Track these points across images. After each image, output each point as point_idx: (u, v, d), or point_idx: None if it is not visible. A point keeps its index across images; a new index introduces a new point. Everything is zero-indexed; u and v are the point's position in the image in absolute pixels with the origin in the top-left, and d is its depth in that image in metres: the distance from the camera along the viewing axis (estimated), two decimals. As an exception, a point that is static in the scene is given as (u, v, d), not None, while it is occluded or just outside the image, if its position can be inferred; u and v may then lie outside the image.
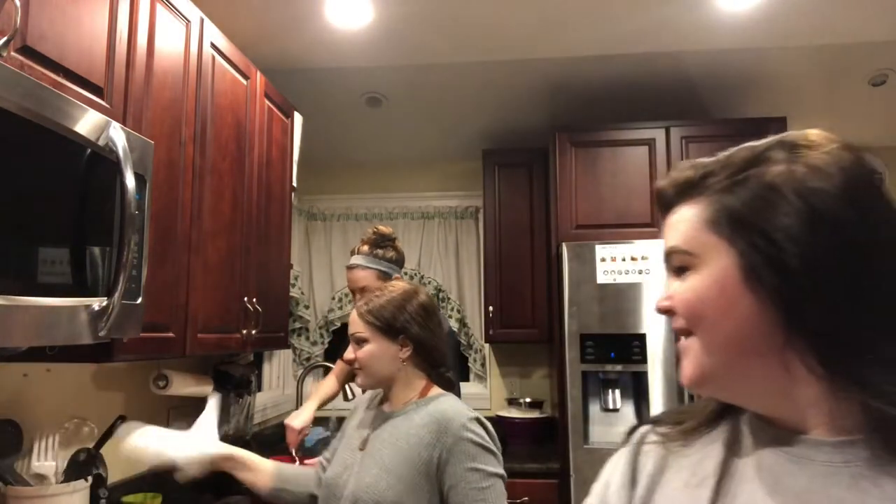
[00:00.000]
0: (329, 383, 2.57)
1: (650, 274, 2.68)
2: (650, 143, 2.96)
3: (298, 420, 2.34)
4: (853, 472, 0.56)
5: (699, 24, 2.62)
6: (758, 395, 0.63)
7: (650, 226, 2.89)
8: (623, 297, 2.68)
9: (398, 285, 1.61)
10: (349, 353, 1.56)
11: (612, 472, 0.76)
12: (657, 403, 2.60)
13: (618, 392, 2.71)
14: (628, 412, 2.72)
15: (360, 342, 1.53)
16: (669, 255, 0.68)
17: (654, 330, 2.65)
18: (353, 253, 2.36)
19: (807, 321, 0.57)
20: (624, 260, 2.70)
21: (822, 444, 0.59)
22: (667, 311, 0.68)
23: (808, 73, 2.98)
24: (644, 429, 0.76)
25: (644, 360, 2.63)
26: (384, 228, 2.39)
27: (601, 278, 2.70)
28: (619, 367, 2.66)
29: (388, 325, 1.52)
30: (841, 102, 3.23)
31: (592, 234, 2.87)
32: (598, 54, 2.84)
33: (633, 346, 2.65)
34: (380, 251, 2.31)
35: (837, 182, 0.58)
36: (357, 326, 1.54)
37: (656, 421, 0.75)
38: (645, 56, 2.85)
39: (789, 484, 0.59)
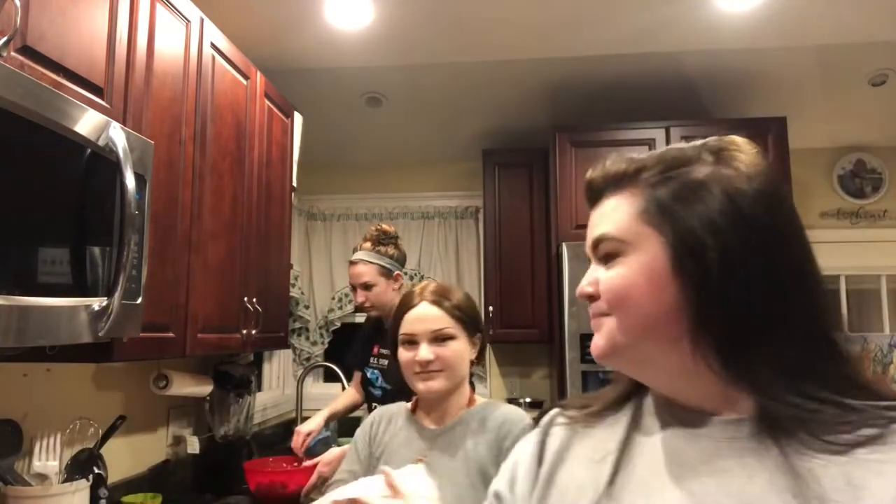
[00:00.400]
0: (349, 394, 2.55)
1: (650, 274, 2.68)
2: (650, 143, 2.96)
3: (306, 426, 2.35)
4: (741, 446, 0.61)
5: (699, 24, 2.62)
6: (663, 376, 0.68)
7: (650, 226, 2.89)
8: (623, 297, 2.67)
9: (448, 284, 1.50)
10: (425, 353, 1.36)
11: (522, 452, 0.80)
12: (657, 403, 2.60)
13: (618, 392, 2.70)
14: (628, 412, 2.72)
15: (445, 340, 1.37)
16: (599, 242, 0.69)
17: (654, 330, 2.65)
18: (355, 250, 2.37)
19: (715, 317, 0.61)
20: (624, 260, 2.69)
21: (714, 422, 0.64)
22: (589, 297, 0.70)
23: (808, 73, 2.98)
24: (553, 412, 0.80)
25: (644, 360, 2.63)
26: (387, 227, 2.41)
27: (601, 278, 2.70)
28: (619, 367, 2.66)
29: (474, 321, 1.42)
30: (841, 102, 3.23)
31: (592, 234, 2.86)
32: (598, 54, 2.84)
33: (633, 346, 2.64)
34: (382, 248, 2.33)
35: (757, 185, 0.63)
36: (441, 322, 1.38)
37: (564, 405, 0.80)
38: (645, 56, 2.85)
39: (684, 456, 0.64)
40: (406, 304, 1.42)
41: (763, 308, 0.61)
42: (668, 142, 2.95)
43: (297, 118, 2.78)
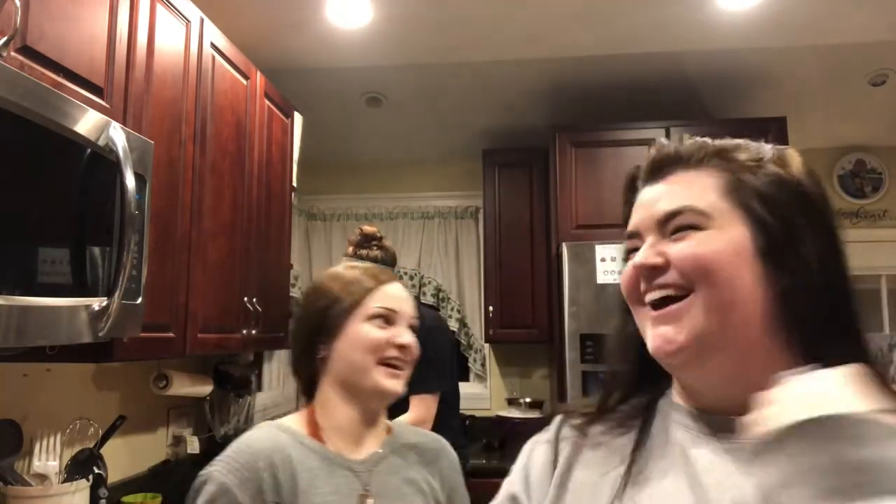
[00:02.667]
0: None
1: (650, 274, 2.68)
2: (650, 144, 2.95)
3: None
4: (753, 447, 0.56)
5: (699, 24, 2.62)
6: (718, 373, 0.63)
7: (650, 226, 2.89)
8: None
9: None
10: (408, 338, 1.14)
11: (534, 453, 0.77)
12: (657, 403, 2.60)
13: (618, 392, 2.70)
14: (628, 412, 2.72)
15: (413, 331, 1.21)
16: (676, 214, 0.65)
17: (654, 330, 2.64)
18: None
19: (800, 305, 0.60)
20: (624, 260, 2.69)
21: (732, 422, 0.61)
22: (655, 268, 0.64)
23: (808, 73, 2.98)
24: (559, 418, 0.79)
25: (644, 360, 2.63)
26: (368, 228, 2.36)
27: (601, 278, 2.70)
28: (619, 367, 2.66)
29: None
30: (841, 102, 3.23)
31: (592, 234, 2.86)
32: (598, 54, 2.84)
33: (633, 346, 2.64)
34: (364, 251, 2.30)
35: (822, 191, 0.66)
36: (414, 310, 1.19)
37: (568, 411, 0.79)
38: (645, 56, 2.85)
39: (695, 458, 0.63)
40: (375, 278, 1.17)
41: (838, 303, 0.61)
42: (668, 142, 2.94)
43: (297, 118, 2.78)
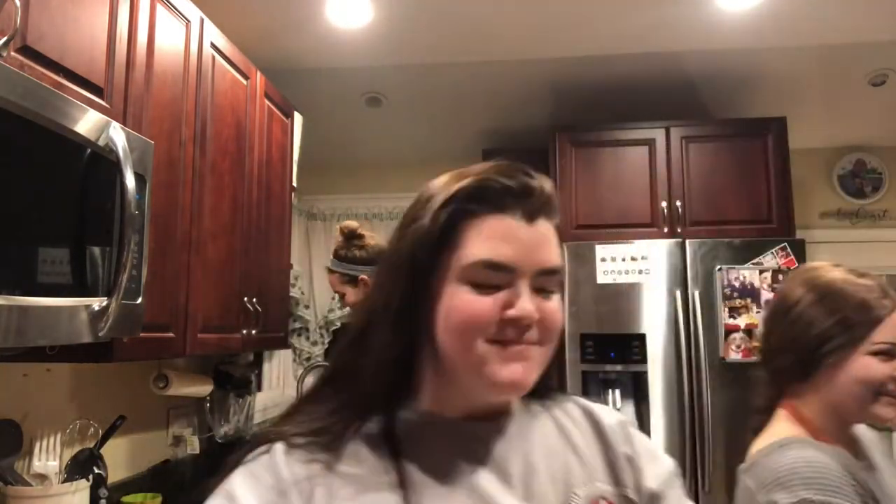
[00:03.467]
0: None
1: (650, 274, 2.68)
2: (650, 143, 2.96)
3: None
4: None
5: (699, 24, 2.62)
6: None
7: (650, 226, 2.89)
8: (623, 297, 2.68)
9: None
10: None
11: (246, 487, 0.66)
12: (657, 403, 2.60)
13: (618, 392, 2.70)
14: (628, 412, 2.72)
15: None
16: (555, 272, 0.69)
17: (654, 330, 2.65)
18: None
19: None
20: (624, 260, 2.70)
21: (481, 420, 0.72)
22: (528, 323, 0.66)
23: (808, 73, 2.98)
24: (280, 451, 0.68)
25: (644, 360, 2.63)
26: (350, 224, 2.34)
27: (601, 278, 2.70)
28: (619, 367, 2.66)
29: None
30: (841, 102, 3.23)
31: (592, 234, 2.86)
32: (598, 54, 2.84)
33: (633, 346, 2.64)
34: (343, 252, 2.29)
35: None
36: None
37: (286, 435, 0.69)
38: (645, 56, 2.85)
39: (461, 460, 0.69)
40: (880, 305, 1.13)
41: None
42: (668, 142, 2.95)
43: (297, 118, 2.78)
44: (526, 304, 0.65)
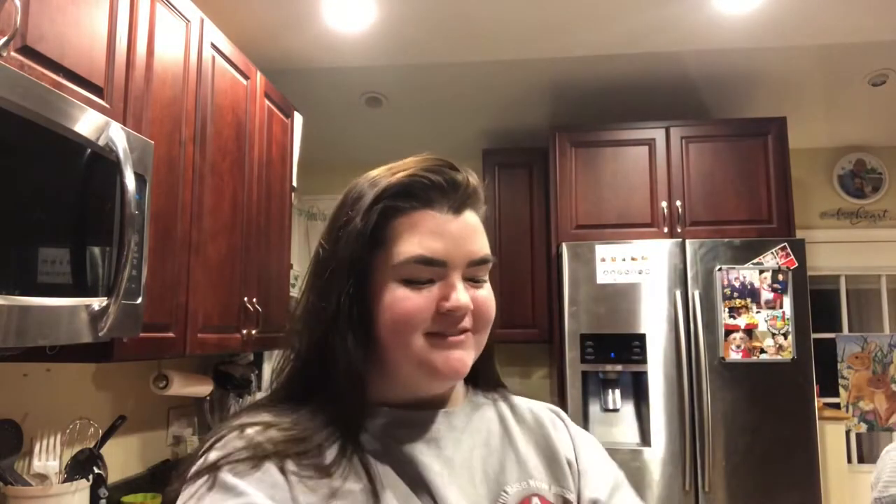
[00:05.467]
0: None
1: (650, 274, 2.68)
2: (650, 143, 2.96)
3: None
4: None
5: (699, 24, 2.62)
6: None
7: (650, 226, 2.89)
8: (623, 297, 2.68)
9: None
10: None
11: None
12: (657, 403, 2.60)
13: (618, 392, 2.70)
14: (628, 412, 2.72)
15: None
16: (485, 262, 0.71)
17: (654, 330, 2.65)
18: None
19: None
20: (624, 260, 2.70)
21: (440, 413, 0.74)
22: (463, 314, 0.69)
23: (808, 73, 2.98)
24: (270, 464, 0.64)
25: (644, 360, 2.63)
26: None
27: (601, 278, 2.70)
28: (619, 367, 2.66)
29: None
30: (841, 102, 3.23)
31: (592, 234, 2.87)
32: (598, 54, 2.84)
33: (633, 346, 2.65)
34: None
35: None
36: None
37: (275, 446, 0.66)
38: (645, 56, 2.85)
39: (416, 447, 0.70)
40: None
41: None
42: (668, 142, 2.95)
43: (297, 118, 2.78)
44: (460, 295, 0.67)
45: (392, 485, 0.67)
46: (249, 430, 0.66)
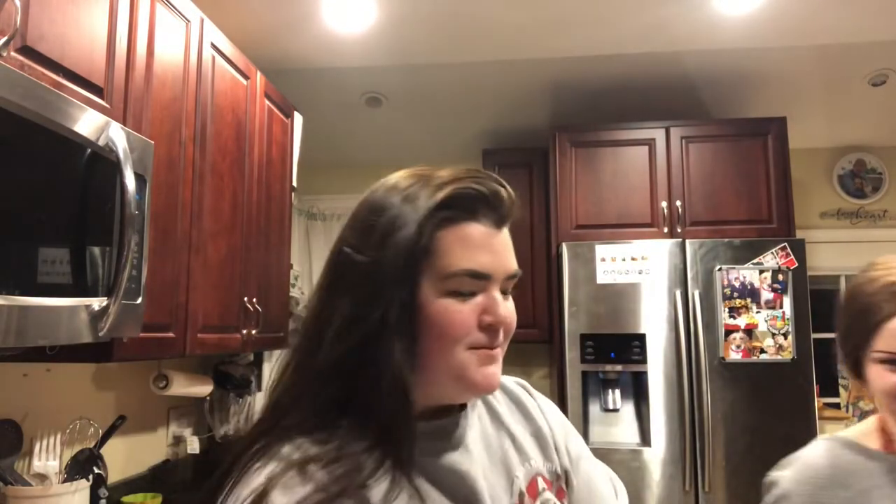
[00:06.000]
0: None
1: (650, 274, 2.68)
2: (650, 143, 2.96)
3: None
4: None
5: (699, 24, 2.62)
6: None
7: (650, 226, 2.89)
8: (623, 297, 2.68)
9: None
10: None
11: None
12: (657, 403, 2.60)
13: (618, 392, 2.70)
14: (628, 412, 2.72)
15: None
16: (516, 276, 0.73)
17: (654, 330, 2.65)
18: None
19: None
20: (624, 260, 2.70)
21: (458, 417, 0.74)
22: (502, 328, 0.70)
23: (808, 73, 2.98)
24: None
25: (644, 360, 2.63)
26: None
27: (601, 278, 2.70)
28: (619, 367, 2.66)
29: None
30: (841, 102, 3.23)
31: (592, 234, 2.86)
32: (598, 54, 2.84)
33: (633, 346, 2.65)
34: None
35: None
36: None
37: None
38: (645, 56, 2.85)
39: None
40: (879, 308, 0.97)
41: None
42: (668, 142, 2.95)
43: (297, 118, 2.78)
44: (503, 310, 0.69)
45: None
46: (311, 467, 0.62)
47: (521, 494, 0.73)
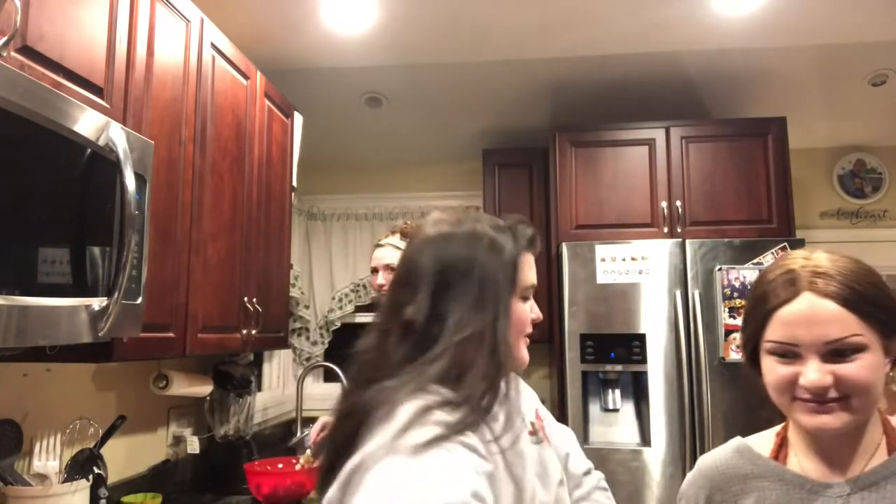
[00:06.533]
0: None
1: (650, 274, 2.68)
2: (650, 143, 2.96)
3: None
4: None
5: (699, 24, 2.62)
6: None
7: (650, 226, 2.89)
8: (623, 297, 2.68)
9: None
10: (819, 377, 0.88)
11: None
12: (657, 403, 2.60)
13: (618, 392, 2.71)
14: (628, 412, 2.72)
15: (846, 353, 0.88)
16: (532, 287, 1.05)
17: (654, 330, 2.65)
18: (379, 241, 2.35)
19: None
20: (624, 260, 2.70)
21: None
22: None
23: (808, 73, 2.98)
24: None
25: (644, 360, 2.63)
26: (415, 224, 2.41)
27: (601, 278, 2.70)
28: (618, 367, 2.66)
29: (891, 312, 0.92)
30: (841, 102, 3.23)
31: (592, 234, 2.87)
32: (598, 54, 2.84)
33: (633, 346, 2.65)
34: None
35: None
36: (842, 327, 0.88)
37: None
38: (645, 56, 2.85)
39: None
40: (774, 295, 0.93)
41: None
42: (668, 142, 2.95)
43: (297, 118, 2.78)
44: (538, 311, 1.08)
45: None
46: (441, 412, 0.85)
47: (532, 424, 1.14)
